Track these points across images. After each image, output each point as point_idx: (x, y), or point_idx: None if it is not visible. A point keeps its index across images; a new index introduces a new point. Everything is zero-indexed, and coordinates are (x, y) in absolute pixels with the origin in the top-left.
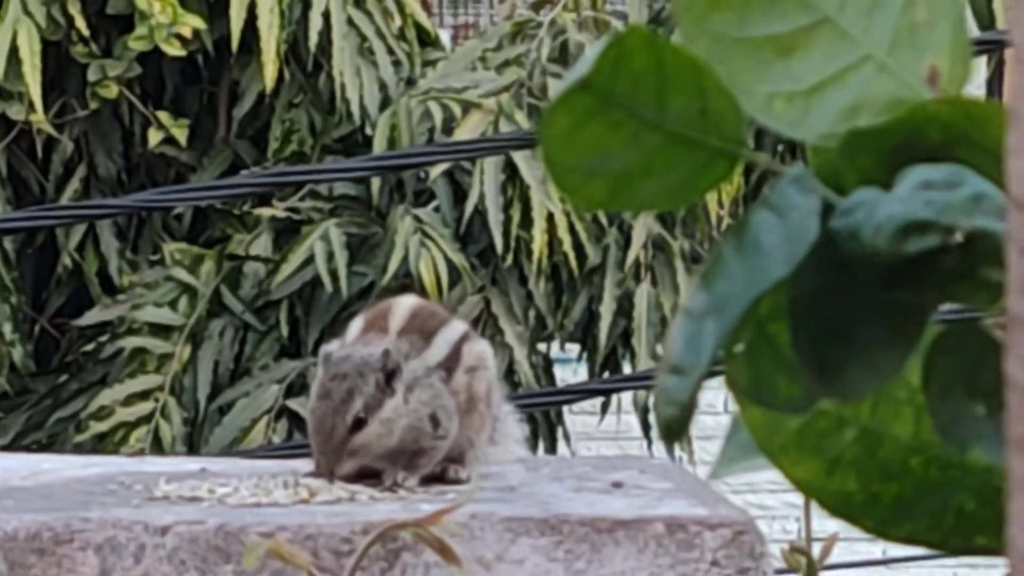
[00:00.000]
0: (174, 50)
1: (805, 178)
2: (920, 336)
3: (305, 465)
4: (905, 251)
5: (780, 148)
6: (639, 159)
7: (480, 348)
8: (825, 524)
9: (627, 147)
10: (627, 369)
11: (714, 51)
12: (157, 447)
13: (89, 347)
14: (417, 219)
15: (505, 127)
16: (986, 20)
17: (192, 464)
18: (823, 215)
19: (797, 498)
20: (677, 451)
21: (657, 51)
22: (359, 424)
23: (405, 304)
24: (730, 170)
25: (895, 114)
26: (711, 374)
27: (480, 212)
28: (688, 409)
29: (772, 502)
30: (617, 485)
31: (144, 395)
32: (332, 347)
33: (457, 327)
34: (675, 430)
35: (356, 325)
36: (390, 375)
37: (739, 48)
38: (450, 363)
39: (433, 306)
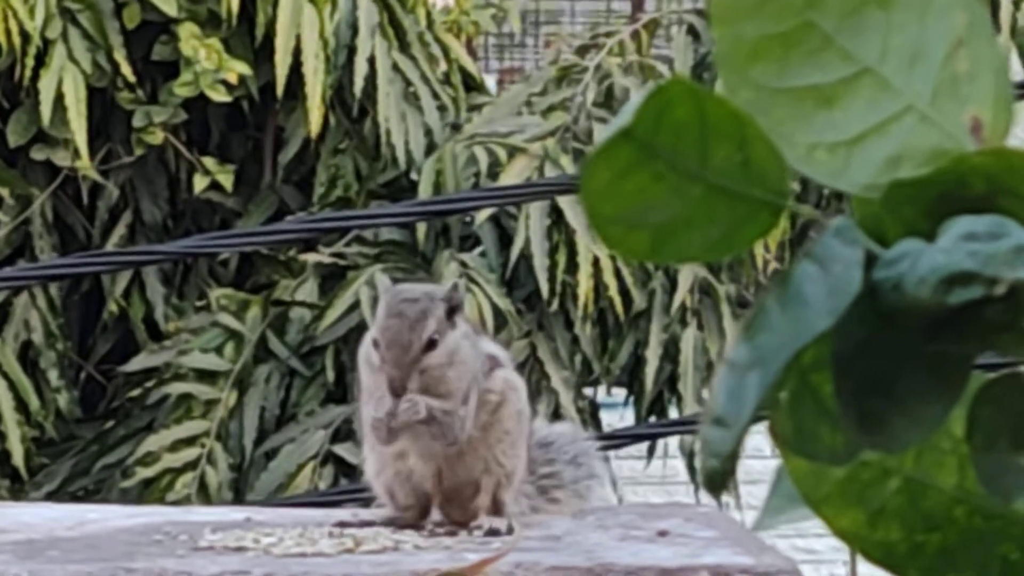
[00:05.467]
0: (219, 96)
1: (848, 229)
2: (963, 387)
3: (344, 513)
4: (948, 302)
5: (826, 193)
6: (681, 211)
7: (508, 375)
8: (873, 570)
9: (669, 199)
10: (673, 413)
11: (755, 101)
12: (203, 493)
13: (135, 393)
14: (463, 264)
15: (550, 172)
16: None
17: (237, 514)
18: (866, 266)
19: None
20: (723, 496)
21: (699, 102)
22: (432, 344)
23: None
24: (774, 222)
25: (938, 165)
26: (757, 419)
27: (526, 257)
28: (731, 461)
29: (819, 546)
30: (662, 534)
31: (190, 441)
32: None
33: (491, 347)
34: (718, 482)
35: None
36: (452, 310)
37: (780, 98)
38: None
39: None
